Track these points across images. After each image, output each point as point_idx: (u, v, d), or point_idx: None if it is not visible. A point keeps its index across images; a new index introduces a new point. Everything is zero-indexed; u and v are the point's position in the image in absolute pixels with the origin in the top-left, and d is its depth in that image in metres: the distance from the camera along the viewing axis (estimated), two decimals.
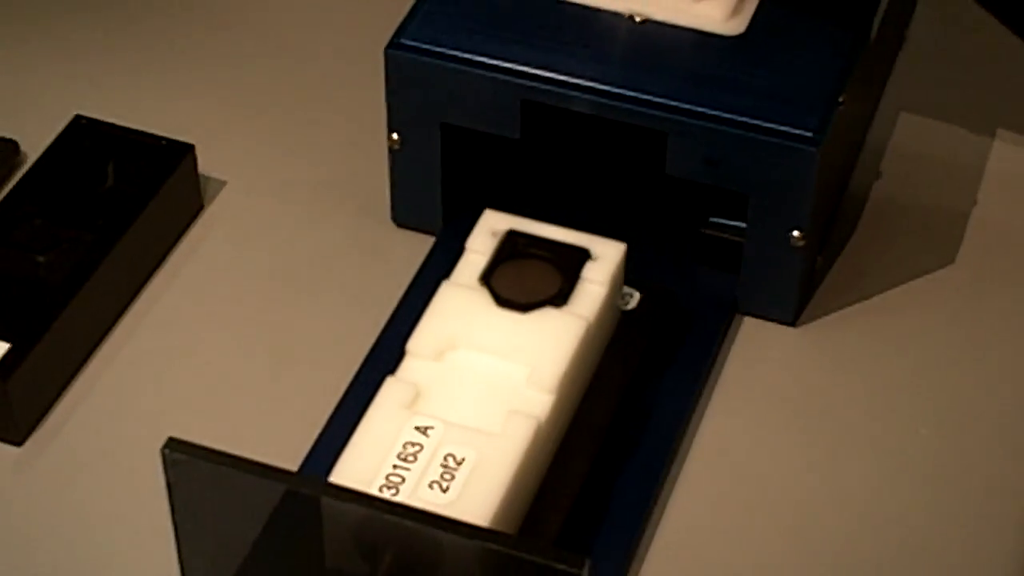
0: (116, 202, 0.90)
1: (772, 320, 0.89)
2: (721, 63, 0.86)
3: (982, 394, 0.86)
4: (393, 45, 0.87)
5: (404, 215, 0.94)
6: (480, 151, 0.90)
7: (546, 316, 0.80)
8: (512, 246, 0.83)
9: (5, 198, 0.91)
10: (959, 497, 0.81)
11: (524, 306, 0.80)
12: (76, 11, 1.08)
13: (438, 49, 0.86)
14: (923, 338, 0.89)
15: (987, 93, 1.03)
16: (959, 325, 0.90)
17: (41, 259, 0.87)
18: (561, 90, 0.85)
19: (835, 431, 0.84)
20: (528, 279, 0.82)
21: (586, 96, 0.84)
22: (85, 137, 0.94)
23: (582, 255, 0.82)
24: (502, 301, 0.80)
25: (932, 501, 0.81)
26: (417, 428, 0.74)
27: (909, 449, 0.83)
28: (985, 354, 0.88)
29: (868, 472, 0.83)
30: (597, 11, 0.88)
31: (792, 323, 0.89)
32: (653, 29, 0.87)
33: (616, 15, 0.88)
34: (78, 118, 0.94)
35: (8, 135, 0.96)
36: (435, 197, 0.92)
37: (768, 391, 0.86)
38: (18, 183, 0.92)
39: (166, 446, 0.68)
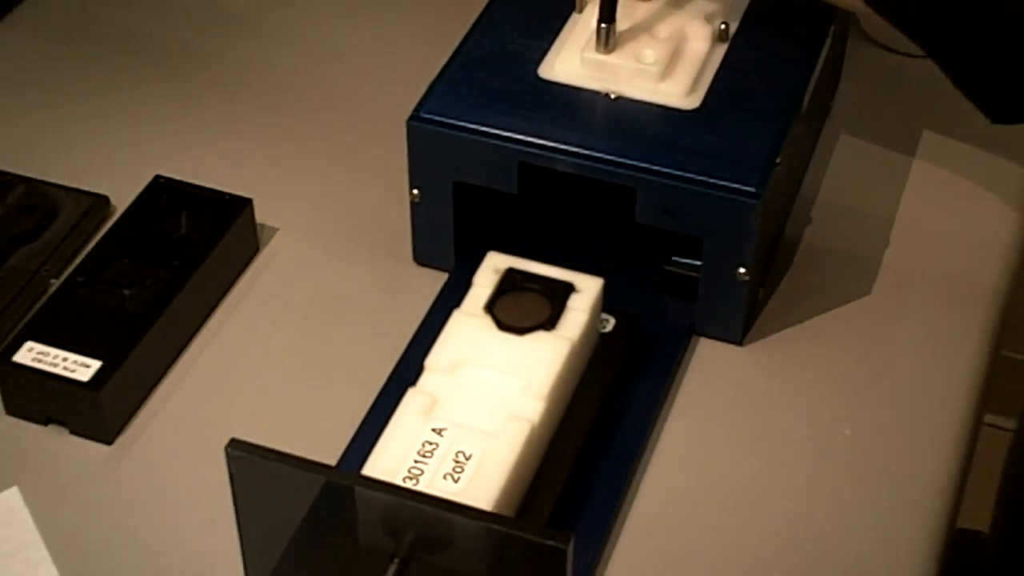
0: (188, 246, 0.91)
1: (722, 340, 0.90)
2: (680, 132, 0.86)
3: (892, 401, 0.87)
4: (414, 117, 0.88)
5: (423, 255, 0.94)
6: (485, 203, 0.91)
7: (538, 338, 0.81)
8: (511, 281, 0.84)
9: (98, 243, 0.92)
10: (875, 482, 0.82)
11: (520, 330, 0.81)
12: (153, 90, 1.07)
13: (450, 121, 0.87)
14: (846, 355, 0.89)
15: (899, 155, 1.02)
16: (874, 345, 0.90)
17: (127, 292, 0.88)
18: (550, 154, 0.85)
19: (775, 431, 0.85)
20: (524, 308, 0.83)
21: (570, 159, 0.85)
22: (163, 193, 0.94)
23: (568, 288, 0.83)
24: (503, 326, 0.81)
25: (854, 486, 0.82)
26: (433, 430, 0.76)
27: (835, 446, 0.84)
28: (895, 369, 0.89)
29: (801, 463, 0.83)
30: (579, 90, 0.89)
31: (739, 343, 0.90)
32: (624, 104, 0.88)
33: (594, 93, 0.89)
34: (157, 177, 0.95)
35: (101, 191, 0.96)
36: (448, 241, 0.92)
37: (719, 399, 0.87)
38: (109, 230, 0.93)
39: (229, 445, 0.70)
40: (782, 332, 0.91)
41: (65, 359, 0.84)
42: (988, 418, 0.94)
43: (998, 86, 0.82)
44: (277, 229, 0.97)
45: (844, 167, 1.02)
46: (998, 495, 0.93)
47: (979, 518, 1.09)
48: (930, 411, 0.87)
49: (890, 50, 1.11)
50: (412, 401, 0.78)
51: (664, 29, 0.92)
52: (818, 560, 0.79)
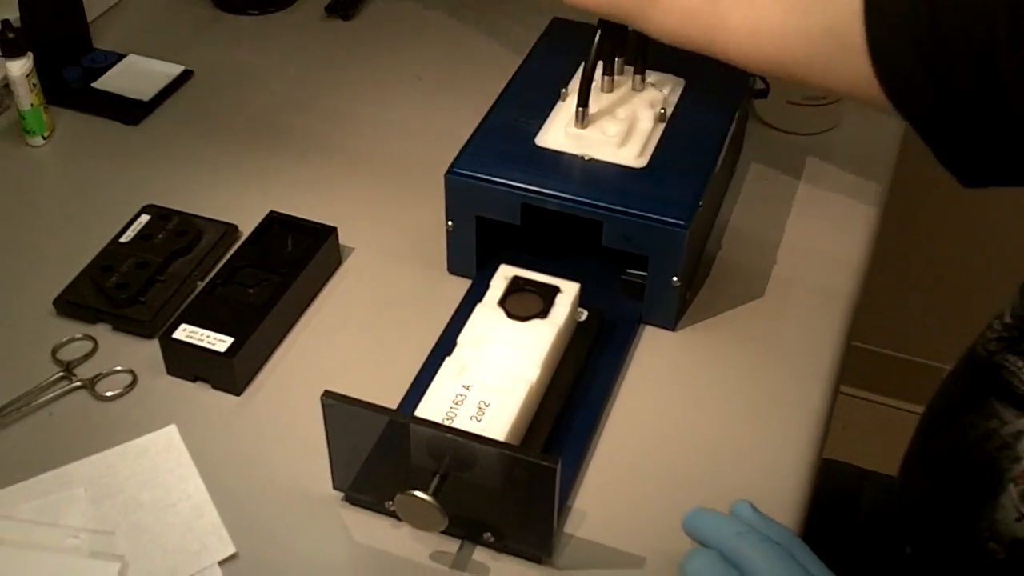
0: (292, 260, 0.91)
1: (661, 327, 0.89)
2: (633, 183, 0.86)
3: (778, 371, 0.87)
4: (449, 172, 0.87)
5: (454, 267, 0.93)
6: (498, 231, 0.90)
7: (535, 324, 0.81)
8: (516, 284, 0.84)
9: (231, 256, 0.92)
10: (766, 425, 0.82)
11: (523, 318, 0.82)
12: (267, 152, 1.07)
13: (474, 175, 0.87)
14: (745, 339, 0.89)
15: (783, 201, 1.01)
16: (764, 332, 0.90)
17: (251, 291, 0.88)
18: (543, 198, 0.85)
19: (697, 390, 0.85)
20: (525, 303, 0.83)
21: (557, 201, 0.85)
22: (275, 223, 0.94)
23: (555, 290, 0.84)
24: (511, 315, 0.82)
25: (751, 428, 0.82)
26: (463, 386, 0.76)
27: (738, 401, 0.84)
28: (779, 349, 0.88)
29: (715, 412, 0.83)
30: (563, 153, 0.89)
31: (673, 329, 0.89)
32: (595, 164, 0.88)
33: (574, 156, 0.88)
34: (271, 212, 0.95)
35: (232, 221, 0.96)
36: (472, 257, 0.92)
37: (659, 368, 0.87)
38: (238, 248, 0.93)
39: (324, 395, 0.71)
40: (702, 322, 0.90)
41: (208, 336, 0.84)
42: (842, 388, 0.93)
43: (975, 157, 0.71)
44: (354, 248, 0.96)
45: (746, 208, 1.01)
46: (913, 439, 0.91)
47: (839, 453, 1.08)
48: (803, 379, 0.86)
49: (778, 130, 1.10)
50: (449, 366, 0.78)
51: (622, 112, 0.92)
52: (725, 479, 0.79)
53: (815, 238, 0.98)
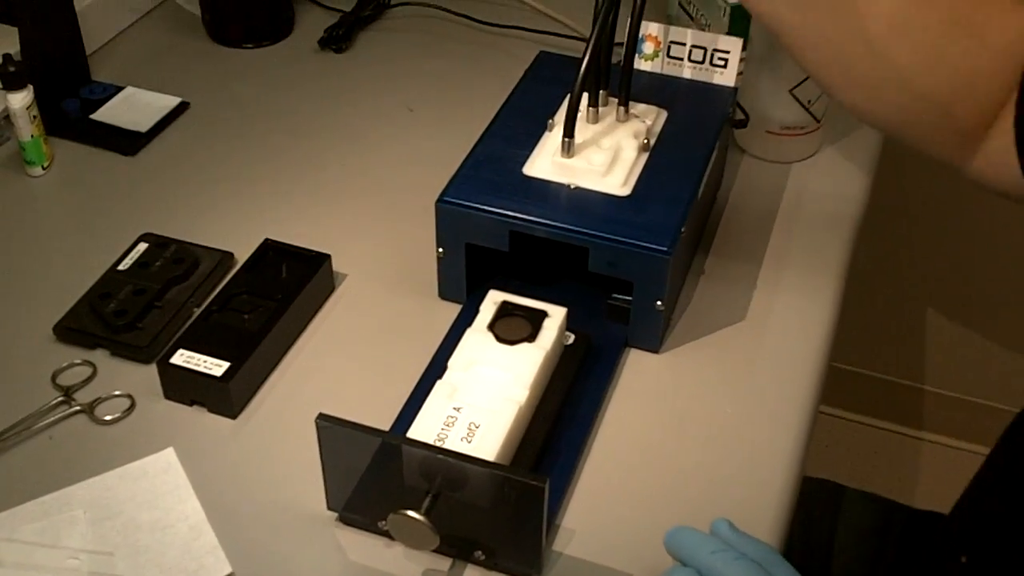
0: (287, 286, 0.91)
1: (645, 350, 0.90)
2: (618, 211, 0.87)
3: (758, 392, 0.88)
4: (440, 200, 0.88)
5: (445, 292, 0.94)
6: (487, 257, 0.91)
7: (524, 348, 0.82)
8: (505, 309, 0.85)
9: (226, 283, 0.92)
10: (747, 443, 0.83)
11: (512, 342, 0.83)
12: (263, 181, 1.08)
13: (464, 203, 0.88)
14: (727, 360, 0.90)
15: (762, 235, 1.02)
16: (745, 355, 0.91)
17: (246, 316, 0.89)
18: (531, 226, 0.86)
19: (681, 410, 0.86)
20: (514, 327, 0.84)
21: (545, 229, 0.86)
22: (270, 250, 0.95)
23: (543, 314, 0.85)
24: (500, 339, 0.83)
25: (734, 445, 0.83)
26: (454, 408, 0.77)
27: (721, 419, 0.85)
28: (759, 371, 0.89)
29: (699, 431, 0.84)
30: (550, 182, 0.89)
31: (657, 351, 0.90)
32: (581, 192, 0.88)
33: (561, 184, 0.89)
34: (266, 240, 0.95)
35: (228, 249, 0.97)
36: (462, 283, 0.92)
37: (643, 389, 0.88)
38: (234, 275, 0.94)
39: (318, 418, 0.72)
40: (686, 344, 0.91)
41: (205, 361, 0.85)
42: (823, 407, 0.94)
43: None
44: (347, 275, 0.97)
45: (728, 234, 1.02)
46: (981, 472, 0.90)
47: (821, 471, 1.09)
48: (784, 399, 0.87)
49: (758, 158, 1.11)
50: (440, 389, 0.79)
51: (607, 142, 0.92)
52: (710, 498, 0.80)
53: (795, 263, 0.99)
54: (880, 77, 0.79)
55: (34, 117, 1.05)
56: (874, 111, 0.82)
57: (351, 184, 1.08)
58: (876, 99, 0.81)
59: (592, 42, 0.87)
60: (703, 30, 1.09)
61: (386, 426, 0.81)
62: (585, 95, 0.93)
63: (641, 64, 1.01)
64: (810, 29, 0.80)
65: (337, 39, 1.28)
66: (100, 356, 0.89)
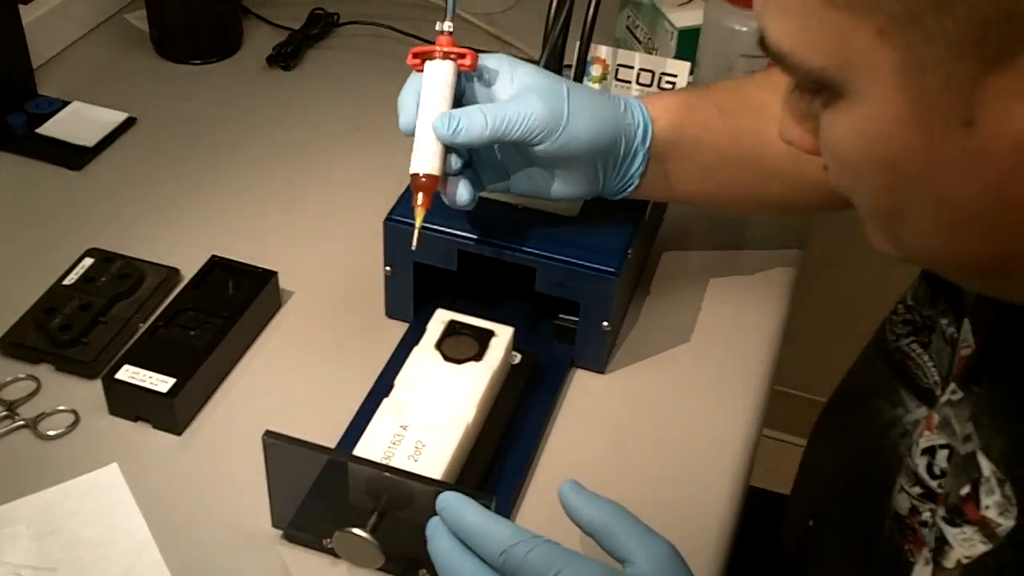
0: (233, 303, 0.91)
1: (591, 370, 0.91)
2: (566, 232, 0.87)
3: (703, 412, 0.88)
4: (388, 219, 0.88)
5: (392, 311, 0.94)
6: (434, 277, 0.90)
7: (471, 367, 0.83)
8: (452, 328, 0.85)
9: (172, 300, 0.92)
10: (691, 461, 0.84)
11: (459, 361, 0.83)
12: (210, 198, 1.07)
13: (411, 222, 0.84)
14: (672, 381, 0.91)
15: (706, 260, 1.03)
16: (690, 375, 0.91)
17: (192, 333, 0.88)
18: (479, 245, 0.86)
19: (625, 429, 0.87)
20: (461, 346, 0.84)
21: (493, 248, 0.86)
22: (216, 267, 0.95)
23: (490, 334, 0.85)
24: (447, 358, 0.83)
25: (678, 463, 0.84)
26: (401, 426, 0.77)
27: (666, 438, 0.86)
28: (703, 391, 0.90)
29: (644, 449, 0.85)
30: (498, 202, 0.89)
31: (602, 372, 0.91)
32: (530, 213, 0.88)
33: (509, 204, 0.89)
34: (213, 257, 0.95)
35: (174, 265, 0.97)
36: (409, 301, 0.92)
37: (589, 409, 0.88)
38: (180, 291, 0.93)
39: (265, 435, 0.72)
40: (631, 365, 0.92)
41: (150, 376, 0.84)
42: (766, 431, 0.95)
43: None
44: (293, 292, 0.97)
45: (674, 256, 1.03)
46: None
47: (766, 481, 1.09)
48: (727, 420, 0.88)
49: None
50: (387, 407, 0.80)
51: None
52: (654, 514, 0.77)
53: (741, 285, 1.00)
54: None
55: None
56: None
57: (299, 202, 1.08)
58: None
59: (543, 64, 0.87)
60: (650, 53, 1.10)
61: (332, 444, 0.81)
62: None
63: (590, 87, 1.02)
64: None
65: (285, 57, 1.28)
66: (44, 371, 0.89)
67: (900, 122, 0.52)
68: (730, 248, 1.03)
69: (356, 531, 0.71)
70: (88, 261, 0.96)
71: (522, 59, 0.83)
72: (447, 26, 0.81)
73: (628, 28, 1.19)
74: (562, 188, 0.84)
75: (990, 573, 0.62)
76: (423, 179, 0.79)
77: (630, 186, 0.85)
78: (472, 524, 0.65)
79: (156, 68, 1.27)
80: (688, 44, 1.08)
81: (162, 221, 1.04)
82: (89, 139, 1.12)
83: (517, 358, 0.88)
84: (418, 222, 0.81)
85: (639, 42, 1.16)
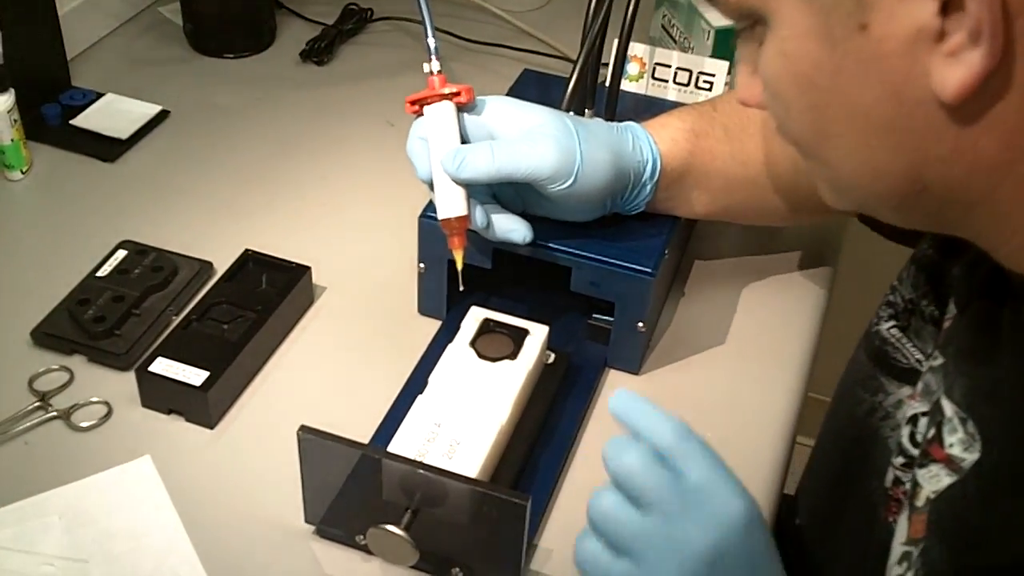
0: (266, 297, 0.91)
1: (625, 371, 0.90)
2: (602, 231, 0.86)
3: (739, 416, 0.88)
4: (423, 215, 0.88)
5: (425, 308, 0.94)
6: (468, 274, 0.88)
7: (505, 365, 0.83)
8: (487, 326, 0.85)
9: (206, 293, 0.92)
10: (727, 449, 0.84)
11: (493, 359, 0.83)
12: (244, 192, 1.08)
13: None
14: (707, 383, 0.90)
15: (748, 246, 1.02)
16: (725, 378, 0.91)
17: (225, 326, 0.89)
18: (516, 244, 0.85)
19: None
20: (495, 345, 0.84)
21: (528, 246, 0.85)
22: (250, 261, 0.95)
23: (525, 332, 0.85)
24: (481, 356, 0.83)
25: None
26: (435, 424, 0.78)
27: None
28: (739, 395, 0.90)
29: None
30: None
31: (636, 373, 0.90)
32: None
33: None
34: (247, 251, 0.95)
35: (207, 258, 0.97)
36: (443, 299, 0.92)
37: None
38: (213, 285, 0.93)
39: (300, 429, 0.72)
40: (665, 367, 0.92)
41: (184, 370, 0.85)
42: (800, 438, 0.95)
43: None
44: (326, 287, 0.97)
45: (711, 256, 1.02)
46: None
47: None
48: (761, 424, 0.88)
49: None
50: (421, 404, 0.80)
51: None
52: None
53: (777, 288, 0.99)
54: None
55: (15, 121, 1.04)
56: None
57: (332, 197, 1.08)
58: None
59: (581, 62, 0.87)
60: (686, 52, 1.10)
61: (364, 440, 0.81)
62: (571, 113, 0.92)
63: (626, 85, 1.02)
64: None
65: (319, 52, 1.28)
66: (77, 362, 0.89)
67: (808, 34, 0.56)
68: (766, 251, 1.03)
69: (391, 528, 0.71)
70: (121, 253, 0.96)
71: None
72: (435, 67, 0.81)
73: (663, 27, 1.18)
74: (569, 215, 0.86)
75: (956, 501, 0.63)
76: (453, 222, 0.81)
77: (634, 211, 0.88)
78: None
79: (189, 61, 1.27)
80: (724, 43, 1.07)
81: (195, 214, 1.05)
82: (123, 131, 1.13)
83: (551, 357, 0.88)
84: (459, 264, 0.83)
85: (674, 41, 1.16)
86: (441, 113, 0.80)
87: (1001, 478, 0.61)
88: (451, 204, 0.81)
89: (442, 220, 0.81)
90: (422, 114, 0.81)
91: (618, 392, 0.66)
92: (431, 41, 0.81)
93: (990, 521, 0.61)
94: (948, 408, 0.65)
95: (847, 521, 0.80)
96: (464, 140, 0.82)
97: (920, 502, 0.66)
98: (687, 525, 0.61)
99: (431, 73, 0.81)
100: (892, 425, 0.75)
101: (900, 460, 0.72)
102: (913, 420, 0.71)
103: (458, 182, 0.80)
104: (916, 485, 0.67)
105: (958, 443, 0.64)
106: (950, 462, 0.64)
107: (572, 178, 0.80)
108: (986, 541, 0.61)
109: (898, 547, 0.67)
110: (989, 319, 0.65)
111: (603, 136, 0.83)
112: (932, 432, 0.66)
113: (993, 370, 0.63)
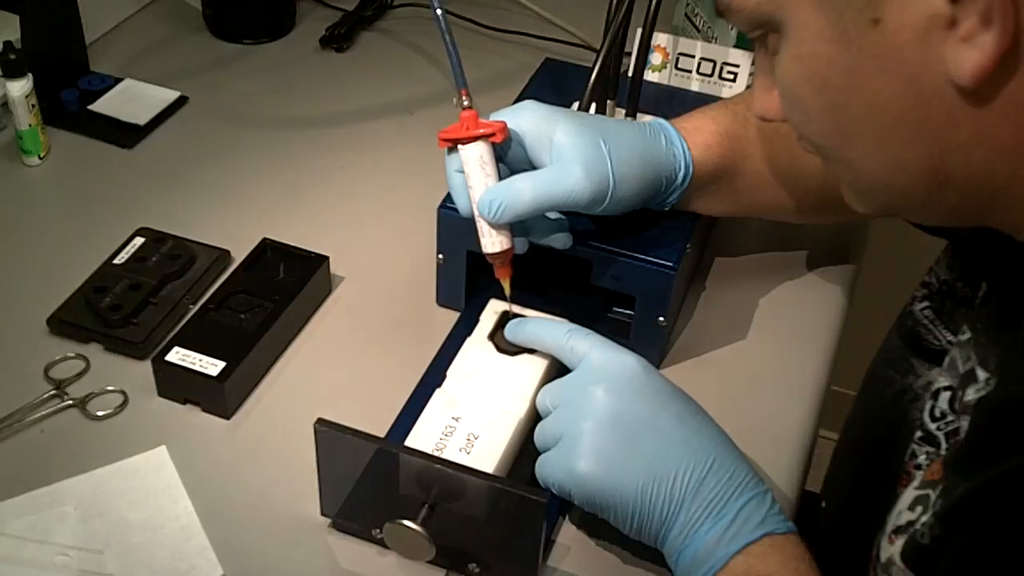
0: (284, 287, 0.91)
1: None
2: (623, 224, 0.86)
3: (761, 413, 0.87)
4: (442, 206, 0.88)
5: (444, 300, 0.94)
6: (487, 265, 0.87)
7: (525, 358, 0.82)
8: (506, 319, 0.84)
9: (223, 282, 0.92)
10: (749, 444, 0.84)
11: (512, 353, 0.82)
12: (262, 181, 1.07)
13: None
14: (727, 378, 0.90)
15: (769, 240, 1.01)
16: (744, 373, 0.90)
17: (242, 316, 0.88)
18: None
19: None
20: None
21: None
22: (268, 249, 0.95)
23: None
24: (500, 349, 0.83)
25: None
26: (453, 418, 0.77)
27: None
28: (760, 390, 0.89)
29: None
30: None
31: (657, 367, 0.87)
32: None
33: None
34: (264, 240, 0.95)
35: (225, 247, 0.97)
36: (461, 290, 0.92)
37: None
38: (231, 274, 0.93)
39: (316, 422, 0.72)
40: (686, 362, 0.91)
41: (200, 359, 0.84)
42: (823, 432, 0.94)
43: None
44: (344, 278, 0.97)
45: (731, 250, 1.02)
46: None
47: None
48: (783, 420, 0.87)
49: None
50: (439, 398, 0.79)
51: None
52: None
53: (798, 284, 0.99)
54: None
55: (33, 106, 1.04)
56: None
57: (350, 186, 1.08)
58: None
59: (604, 51, 0.87)
60: (710, 43, 1.09)
61: (381, 432, 0.81)
62: (593, 105, 0.92)
63: (649, 75, 1.01)
64: None
65: (338, 38, 1.28)
66: (94, 350, 0.89)
67: (822, 35, 0.57)
68: (789, 247, 1.02)
69: (407, 523, 0.70)
70: (139, 240, 0.96)
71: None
72: (465, 102, 0.81)
73: (687, 16, 1.17)
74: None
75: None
76: (499, 256, 0.81)
77: (659, 209, 0.88)
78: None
79: (208, 47, 1.27)
80: None
81: (213, 201, 1.05)
82: (141, 117, 1.13)
83: None
84: (507, 291, 0.84)
85: (697, 31, 1.15)
86: (476, 153, 0.80)
87: None
88: (494, 240, 0.81)
89: (487, 255, 0.82)
90: (455, 149, 0.81)
91: (509, 324, 0.81)
92: (461, 75, 0.81)
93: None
94: (981, 376, 0.66)
95: (868, 499, 0.80)
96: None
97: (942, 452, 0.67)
98: (595, 391, 0.73)
99: (463, 107, 0.81)
100: (920, 407, 0.75)
101: (919, 434, 0.73)
102: (935, 395, 0.72)
103: (498, 224, 0.80)
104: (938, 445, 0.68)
105: (975, 394, 0.65)
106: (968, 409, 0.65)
107: (605, 202, 0.80)
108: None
109: (910, 492, 0.66)
110: (1020, 295, 0.65)
111: (636, 147, 0.82)
112: (960, 395, 0.67)
113: None
